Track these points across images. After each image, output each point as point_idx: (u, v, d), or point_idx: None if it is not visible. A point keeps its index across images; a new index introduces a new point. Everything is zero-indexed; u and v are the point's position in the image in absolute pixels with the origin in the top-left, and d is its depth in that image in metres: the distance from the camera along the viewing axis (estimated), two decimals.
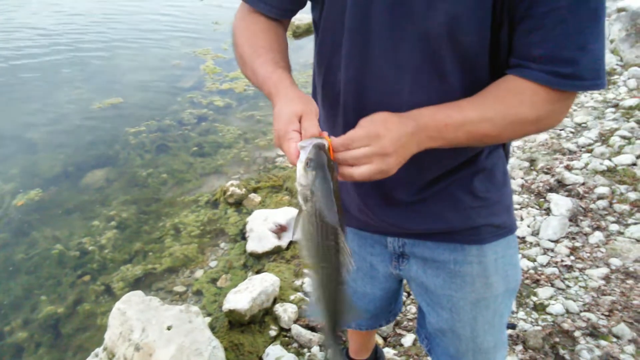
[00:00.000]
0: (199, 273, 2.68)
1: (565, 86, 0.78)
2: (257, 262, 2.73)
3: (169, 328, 1.89)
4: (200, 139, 4.05)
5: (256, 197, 3.29)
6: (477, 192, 0.99)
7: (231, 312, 2.18)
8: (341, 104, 0.94)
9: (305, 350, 2.06)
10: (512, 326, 2.01)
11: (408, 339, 2.04)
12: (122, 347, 1.87)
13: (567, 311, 2.08)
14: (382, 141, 0.76)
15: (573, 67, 0.76)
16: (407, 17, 0.80)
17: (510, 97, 0.81)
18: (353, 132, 0.78)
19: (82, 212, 3.16)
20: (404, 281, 1.29)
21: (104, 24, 6.68)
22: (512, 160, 3.29)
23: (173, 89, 4.86)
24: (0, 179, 3.43)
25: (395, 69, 0.85)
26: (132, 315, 1.96)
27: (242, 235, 2.94)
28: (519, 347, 1.93)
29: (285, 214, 2.95)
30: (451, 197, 0.99)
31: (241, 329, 2.19)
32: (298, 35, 6.31)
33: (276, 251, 2.75)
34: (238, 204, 3.24)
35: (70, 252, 2.82)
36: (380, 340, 2.06)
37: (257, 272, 2.60)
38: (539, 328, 2.01)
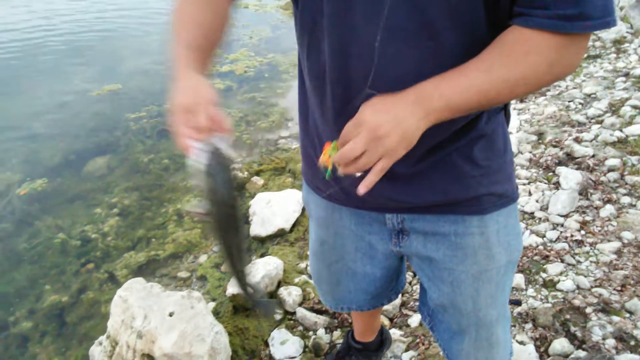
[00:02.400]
0: (202, 258, 2.66)
1: (573, 29, 0.71)
2: (260, 245, 2.69)
3: (170, 314, 1.86)
4: None
5: (259, 180, 3.24)
6: (478, 160, 0.93)
7: (235, 297, 2.15)
8: (328, 77, 0.88)
9: (311, 333, 2.03)
10: (517, 302, 1.96)
11: (415, 320, 2.00)
12: (124, 334, 1.85)
13: (578, 287, 2.02)
14: (368, 124, 0.74)
15: (579, 7, 0.70)
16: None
17: (517, 48, 0.74)
18: (344, 128, 0.77)
19: (84, 200, 3.13)
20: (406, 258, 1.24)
21: (99, 9, 6.59)
22: (519, 134, 3.21)
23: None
24: (3, 168, 3.41)
25: (382, 33, 0.78)
26: (134, 303, 1.93)
27: (246, 219, 2.90)
28: (529, 325, 1.88)
29: (288, 197, 2.91)
30: (451, 166, 0.93)
31: (246, 314, 2.16)
32: None
33: (280, 234, 2.71)
34: (241, 187, 3.20)
35: (73, 240, 2.81)
36: (386, 322, 2.03)
37: (261, 256, 2.57)
38: (549, 305, 1.96)
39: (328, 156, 0.80)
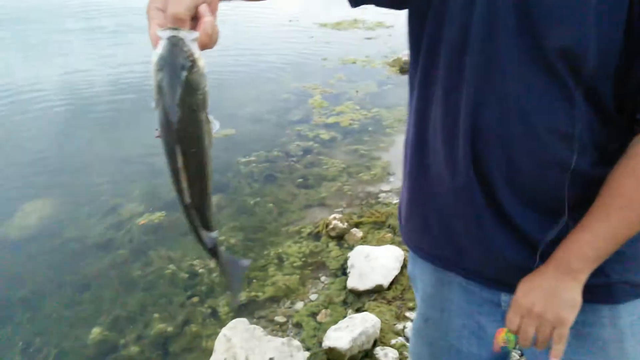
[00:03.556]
0: (299, 305, 2.69)
1: None
2: (357, 299, 2.68)
3: None
4: (305, 170, 4.14)
5: (358, 233, 3.26)
6: None
7: (331, 350, 2.15)
8: (460, 127, 0.88)
9: None
10: None
11: None
12: None
13: None
14: (523, 307, 0.85)
15: None
16: (531, 33, 0.77)
17: (628, 182, 0.79)
18: (507, 316, 0.89)
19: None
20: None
21: (221, 58, 7.17)
22: None
23: (282, 122, 5.06)
24: (129, 199, 3.75)
25: (520, 88, 0.80)
26: (237, 343, 2.00)
27: (343, 271, 2.92)
28: None
29: (387, 253, 2.88)
30: None
31: None
32: (405, 71, 6.30)
33: (377, 290, 2.68)
34: (340, 238, 3.24)
35: (181, 273, 2.98)
36: None
37: (357, 311, 2.55)
38: None
39: (502, 342, 0.91)
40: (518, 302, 0.88)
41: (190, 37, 0.61)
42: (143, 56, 7.21)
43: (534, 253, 0.90)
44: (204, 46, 0.64)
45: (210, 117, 0.69)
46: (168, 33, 0.60)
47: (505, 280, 0.98)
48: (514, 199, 0.87)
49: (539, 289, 0.85)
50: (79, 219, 3.57)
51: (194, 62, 0.62)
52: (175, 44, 0.60)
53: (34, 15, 9.81)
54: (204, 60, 0.64)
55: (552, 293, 0.83)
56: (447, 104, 0.90)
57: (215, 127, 0.70)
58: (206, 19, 0.64)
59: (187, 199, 0.73)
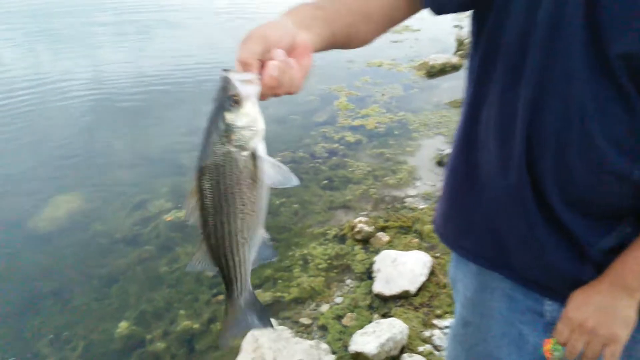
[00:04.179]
0: (324, 307, 2.68)
1: None
2: (383, 304, 2.66)
3: None
4: (330, 172, 4.13)
5: (384, 237, 3.24)
6: None
7: (358, 355, 2.13)
8: (517, 127, 0.86)
9: None
10: None
11: None
12: None
13: None
14: (575, 322, 0.85)
15: None
16: (596, 38, 0.75)
17: None
18: (556, 328, 0.90)
19: None
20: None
21: None
22: None
23: (307, 123, 5.06)
24: (157, 195, 3.78)
25: (582, 93, 0.78)
26: (265, 343, 2.00)
27: (369, 275, 2.90)
28: None
29: (415, 259, 2.86)
30: None
31: None
32: (432, 75, 6.26)
33: (404, 296, 2.65)
34: (365, 241, 3.22)
35: (207, 270, 2.99)
36: None
37: (383, 316, 2.53)
38: None
39: (548, 352, 0.93)
40: (569, 315, 0.87)
41: (238, 78, 0.63)
42: (173, 51, 7.31)
43: (583, 261, 0.88)
44: (271, 89, 0.66)
45: (277, 163, 0.70)
46: (221, 74, 0.64)
47: (550, 285, 0.96)
48: (565, 204, 0.86)
49: (593, 304, 0.84)
50: (107, 214, 3.61)
51: (236, 102, 0.65)
52: (222, 85, 0.64)
53: (65, 8, 10.00)
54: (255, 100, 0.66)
55: (606, 309, 0.83)
56: (503, 103, 0.89)
57: (289, 180, 0.70)
58: (271, 62, 0.65)
59: (203, 235, 0.71)
